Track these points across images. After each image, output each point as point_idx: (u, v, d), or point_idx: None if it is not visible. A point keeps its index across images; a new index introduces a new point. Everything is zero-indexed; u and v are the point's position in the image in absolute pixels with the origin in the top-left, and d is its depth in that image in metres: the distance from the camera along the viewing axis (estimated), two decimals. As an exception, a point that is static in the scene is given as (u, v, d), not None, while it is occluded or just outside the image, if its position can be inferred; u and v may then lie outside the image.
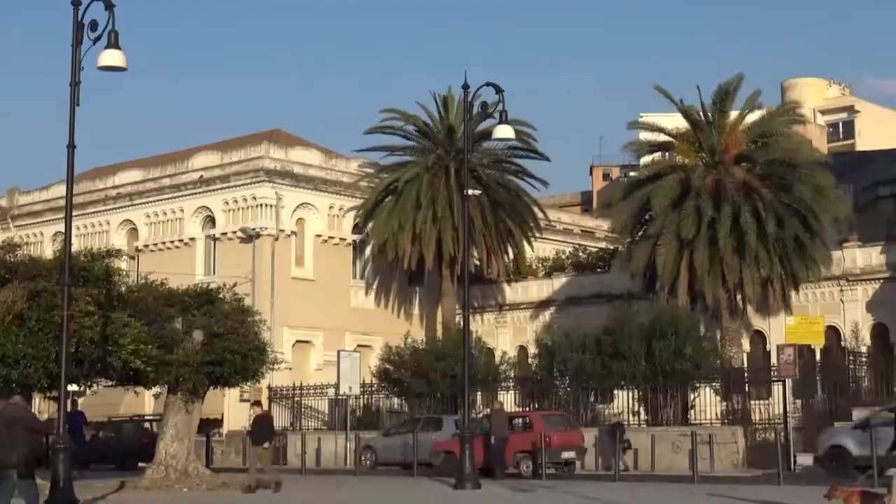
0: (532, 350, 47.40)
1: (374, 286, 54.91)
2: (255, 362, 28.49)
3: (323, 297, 51.52)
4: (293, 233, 52.13)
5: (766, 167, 42.11)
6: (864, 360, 40.25)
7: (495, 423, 32.92)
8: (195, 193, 53.56)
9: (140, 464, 39.82)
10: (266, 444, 26.45)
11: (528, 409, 40.41)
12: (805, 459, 32.22)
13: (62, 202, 22.06)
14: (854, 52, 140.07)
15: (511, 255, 53.60)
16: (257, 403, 27.71)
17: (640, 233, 44.49)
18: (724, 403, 38.78)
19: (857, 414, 33.78)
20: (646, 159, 48.28)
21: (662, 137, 45.51)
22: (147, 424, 44.76)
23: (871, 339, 44.48)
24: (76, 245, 41.33)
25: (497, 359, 45.80)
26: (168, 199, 54.50)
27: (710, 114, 43.21)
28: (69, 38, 19.12)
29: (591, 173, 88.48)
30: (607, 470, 33.40)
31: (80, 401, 50.89)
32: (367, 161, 55.12)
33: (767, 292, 42.03)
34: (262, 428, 26.65)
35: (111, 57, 19.18)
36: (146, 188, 55.56)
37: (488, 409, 37.34)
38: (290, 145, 54.36)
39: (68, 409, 36.43)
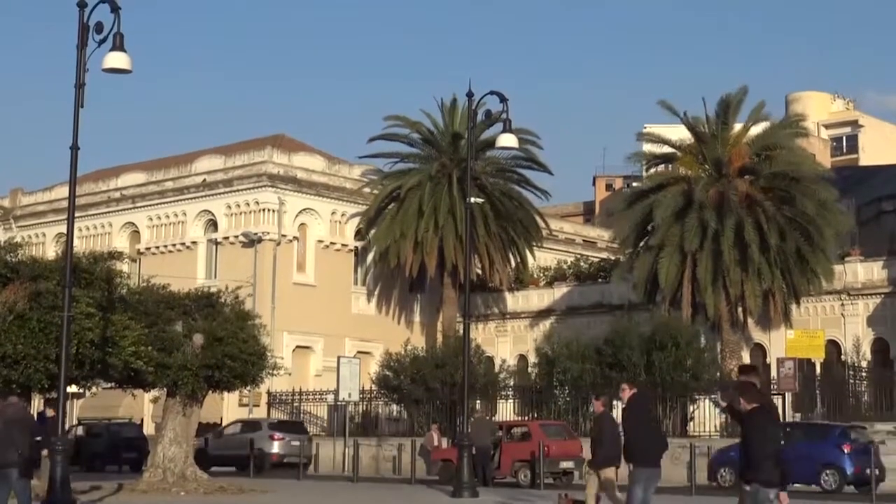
0: (532, 359, 47.36)
1: (376, 293, 54.92)
2: (254, 367, 28.40)
3: (324, 302, 51.50)
4: (295, 238, 52.13)
5: (769, 180, 42.13)
6: (864, 374, 40.21)
7: (476, 432, 31.71)
8: (198, 197, 53.61)
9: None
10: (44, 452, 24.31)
11: (526, 418, 40.36)
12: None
13: (65, 203, 22.05)
14: (858, 67, 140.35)
15: (513, 264, 53.59)
16: (49, 402, 25.36)
17: (642, 244, 44.50)
18: (724, 416, 38.71)
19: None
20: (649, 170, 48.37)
21: (666, 149, 45.55)
22: (82, 429, 43.27)
23: (872, 353, 44.45)
24: (78, 246, 41.34)
25: (497, 367, 45.76)
26: (171, 202, 54.54)
27: (714, 126, 43.25)
28: (75, 40, 19.13)
29: (593, 183, 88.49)
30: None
31: (79, 402, 51.08)
32: (370, 168, 55.13)
33: (768, 305, 42.08)
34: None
35: (116, 59, 19.16)
36: (149, 191, 55.61)
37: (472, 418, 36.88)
38: (294, 150, 54.40)
39: (41, 410, 35.97)
